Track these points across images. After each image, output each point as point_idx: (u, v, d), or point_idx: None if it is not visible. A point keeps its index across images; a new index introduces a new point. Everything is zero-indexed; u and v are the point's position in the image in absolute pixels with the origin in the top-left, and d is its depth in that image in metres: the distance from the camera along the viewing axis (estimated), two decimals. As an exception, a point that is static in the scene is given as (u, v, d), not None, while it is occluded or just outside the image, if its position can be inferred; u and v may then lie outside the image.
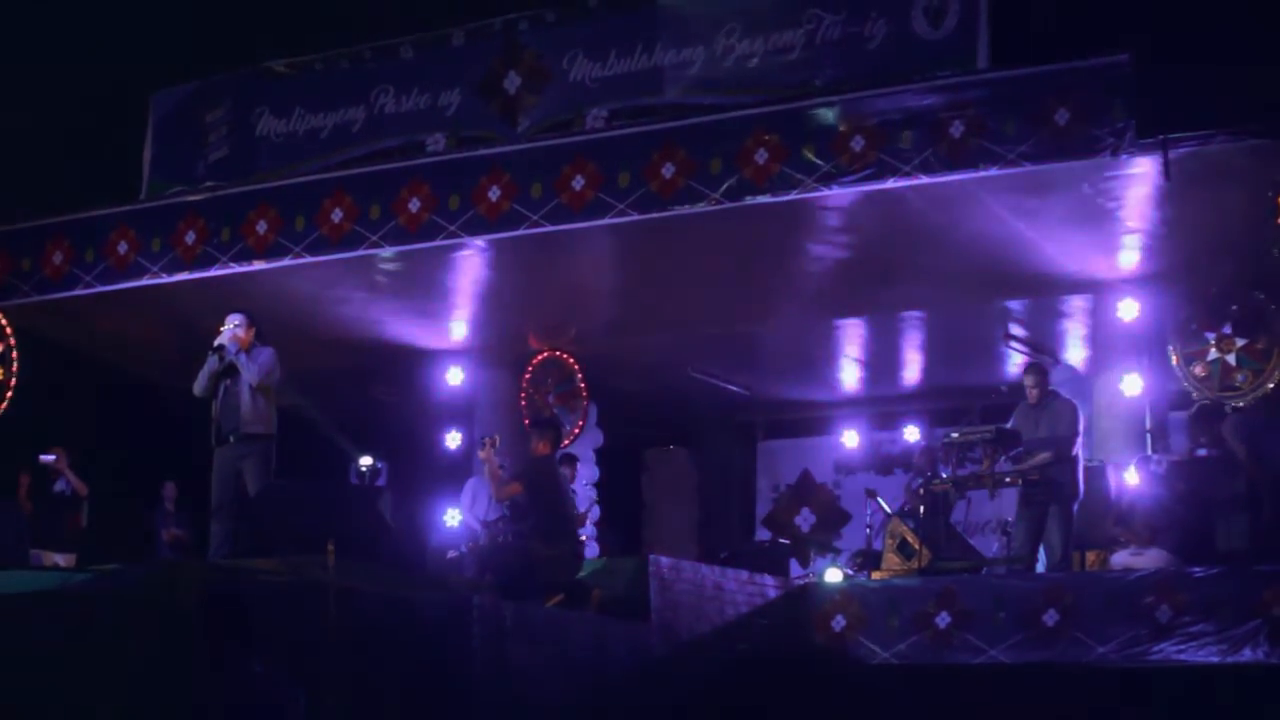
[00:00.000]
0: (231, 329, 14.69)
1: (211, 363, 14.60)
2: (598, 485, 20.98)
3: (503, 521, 18.05)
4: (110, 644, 11.61)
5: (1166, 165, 14.53)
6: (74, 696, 11.53)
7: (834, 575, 17.73)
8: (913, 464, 20.08)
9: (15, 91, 21.83)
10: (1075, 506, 16.16)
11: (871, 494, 18.84)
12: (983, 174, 15.02)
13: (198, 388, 14.65)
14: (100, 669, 11.53)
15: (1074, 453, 16.26)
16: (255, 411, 14.38)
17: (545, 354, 20.69)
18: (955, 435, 17.15)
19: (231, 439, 14.39)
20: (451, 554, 18.90)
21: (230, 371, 14.55)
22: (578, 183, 16.42)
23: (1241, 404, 16.70)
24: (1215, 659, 14.28)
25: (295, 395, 19.72)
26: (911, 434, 21.99)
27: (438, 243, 17.14)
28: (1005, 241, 16.57)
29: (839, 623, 15.80)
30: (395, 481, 20.13)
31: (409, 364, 21.26)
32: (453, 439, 21.39)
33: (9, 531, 16.76)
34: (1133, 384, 17.81)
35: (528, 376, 20.76)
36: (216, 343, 14.65)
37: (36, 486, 18.61)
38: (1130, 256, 17.09)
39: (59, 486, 18.77)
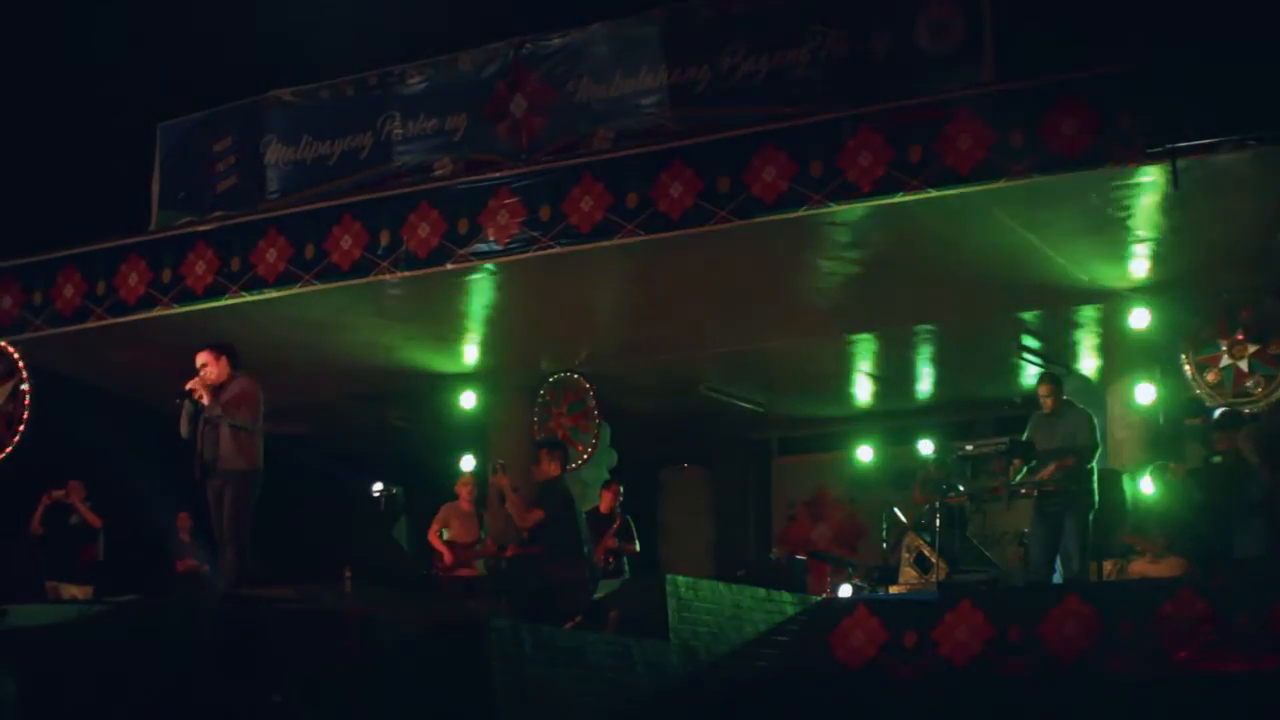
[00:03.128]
0: (200, 372, 14.43)
1: (187, 408, 14.41)
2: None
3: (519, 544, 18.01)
4: (128, 674, 11.62)
5: (1175, 174, 14.52)
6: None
7: (846, 591, 17.74)
8: (929, 475, 20.05)
9: (23, 124, 21.89)
10: (1091, 517, 16.14)
11: (889, 506, 18.81)
12: (990, 186, 15.02)
13: (183, 432, 14.48)
14: (119, 699, 11.54)
15: (1091, 463, 16.26)
16: (235, 447, 14.06)
17: (557, 374, 20.66)
18: (969, 447, 17.13)
19: (216, 468, 14.21)
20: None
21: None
22: (586, 204, 16.44)
23: (1255, 410, 16.67)
24: (1234, 667, 14.24)
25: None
26: (926, 448, 21.97)
27: (448, 267, 17.16)
28: (1015, 253, 16.56)
29: (857, 638, 15.78)
30: (411, 506, 20.12)
31: (422, 389, 21.26)
32: (467, 462, 21.38)
33: (24, 566, 16.79)
34: (1145, 392, 17.79)
35: (540, 399, 20.74)
36: (188, 386, 14.45)
37: (52, 520, 18.63)
38: (1140, 265, 17.07)
39: (75, 520, 18.79)
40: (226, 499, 14.06)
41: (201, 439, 14.21)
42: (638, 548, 19.24)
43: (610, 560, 18.57)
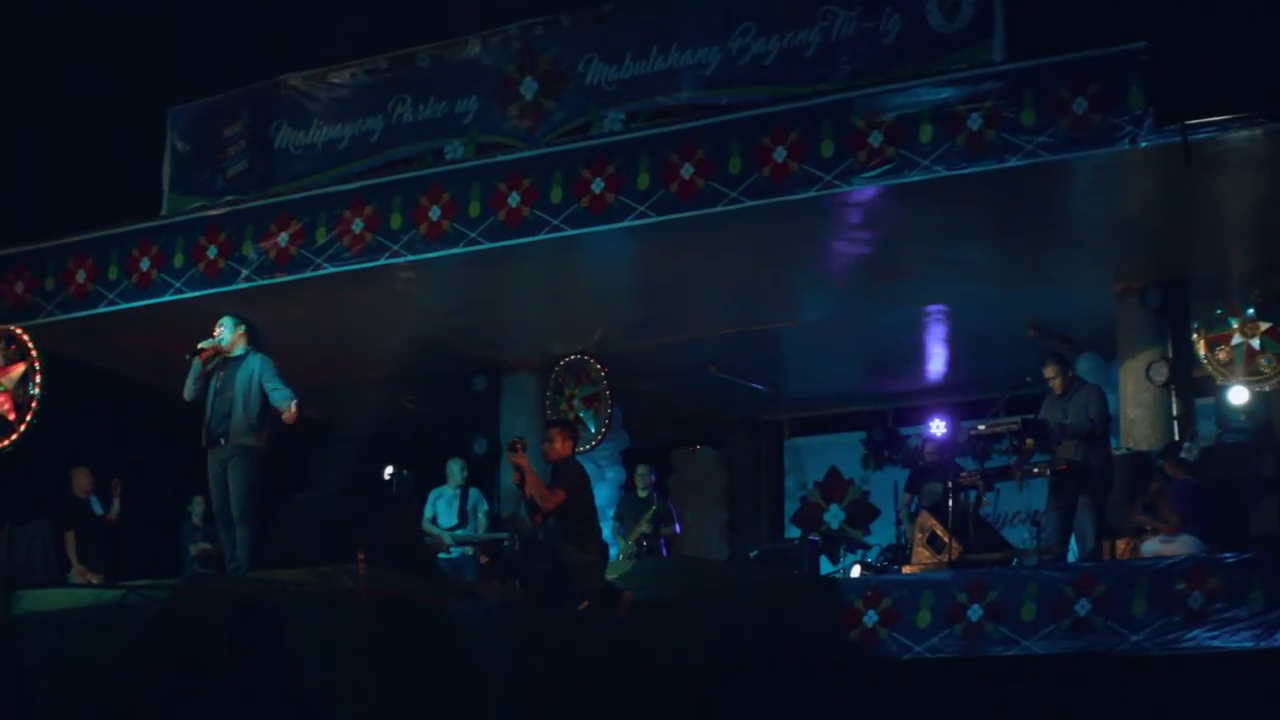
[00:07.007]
0: (215, 333, 14.46)
1: (194, 367, 14.42)
2: (624, 487, 20.97)
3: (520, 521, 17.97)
4: (142, 659, 11.63)
5: (1186, 152, 14.50)
6: (108, 711, 11.57)
7: (855, 571, 17.74)
8: (924, 458, 20.06)
9: (33, 110, 21.88)
10: (1106, 496, 16.13)
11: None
12: (1002, 166, 15.00)
13: (186, 394, 14.48)
14: (132, 683, 11.55)
15: (1105, 440, 16.24)
16: (248, 423, 14.20)
17: (570, 357, 20.66)
18: (981, 427, 17.11)
19: (222, 442, 14.22)
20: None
21: (220, 368, 14.36)
22: (597, 186, 16.43)
23: (1267, 388, 16.67)
24: (1249, 644, 14.25)
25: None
26: (938, 427, 21.93)
27: (459, 250, 17.14)
28: (1026, 231, 16.54)
29: (870, 618, 15.80)
30: (423, 489, 20.09)
31: (434, 372, 21.26)
32: (479, 446, 21.38)
33: (39, 551, 16.80)
34: (1158, 371, 17.78)
35: (552, 380, 20.74)
36: (200, 345, 14.44)
37: (69, 506, 18.62)
38: (1152, 243, 17.03)
39: (94, 506, 18.80)
40: (233, 476, 14.06)
41: (213, 406, 14.22)
42: (678, 530, 19.20)
43: (645, 543, 18.58)
